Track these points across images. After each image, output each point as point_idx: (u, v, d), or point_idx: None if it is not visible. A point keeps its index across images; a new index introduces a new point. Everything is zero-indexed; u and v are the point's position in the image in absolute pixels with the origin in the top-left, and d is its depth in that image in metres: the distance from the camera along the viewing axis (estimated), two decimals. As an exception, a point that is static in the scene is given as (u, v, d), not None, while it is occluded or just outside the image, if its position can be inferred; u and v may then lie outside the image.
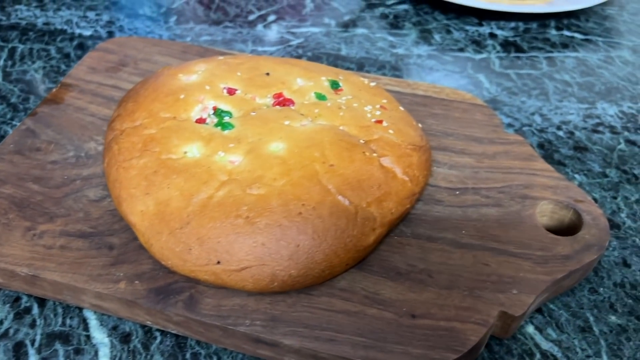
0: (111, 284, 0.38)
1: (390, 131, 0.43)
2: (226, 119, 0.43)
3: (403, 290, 0.37)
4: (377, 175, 0.40)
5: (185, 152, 0.40)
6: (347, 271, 0.38)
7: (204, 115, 0.43)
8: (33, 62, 0.60)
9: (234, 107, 0.44)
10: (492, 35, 0.67)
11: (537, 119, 0.56)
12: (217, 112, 0.43)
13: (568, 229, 0.43)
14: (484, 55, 0.64)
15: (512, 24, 0.69)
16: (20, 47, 0.63)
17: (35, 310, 0.40)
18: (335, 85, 0.47)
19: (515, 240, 0.40)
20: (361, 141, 0.41)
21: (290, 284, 0.36)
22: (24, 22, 0.66)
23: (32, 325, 0.39)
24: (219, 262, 0.36)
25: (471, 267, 0.39)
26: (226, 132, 0.42)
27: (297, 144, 0.40)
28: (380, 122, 0.44)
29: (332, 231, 0.37)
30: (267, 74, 0.47)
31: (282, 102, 0.45)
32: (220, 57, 0.50)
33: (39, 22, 0.67)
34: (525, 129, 0.55)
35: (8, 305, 0.40)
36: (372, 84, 0.49)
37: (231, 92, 0.45)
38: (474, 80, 0.60)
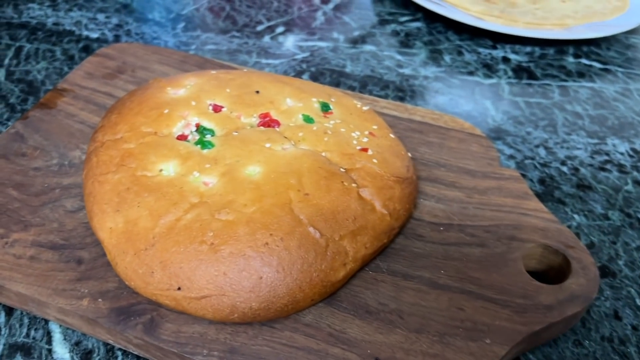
0: (74, 300, 0.37)
1: (375, 160, 0.41)
2: (208, 137, 0.42)
3: (370, 330, 0.36)
4: (353, 207, 0.38)
5: (161, 170, 0.40)
6: (315, 305, 0.37)
7: (186, 132, 0.42)
8: (37, 63, 0.61)
9: (217, 125, 0.43)
10: (505, 60, 0.65)
11: (542, 152, 0.53)
12: (200, 129, 0.42)
13: (557, 275, 0.41)
14: (493, 80, 0.62)
15: (528, 49, 0.67)
16: (27, 46, 0.63)
17: (2, 318, 0.40)
18: (325, 108, 0.46)
19: (496, 284, 0.38)
20: (341, 170, 0.40)
21: (251, 317, 0.35)
22: (34, 21, 0.67)
23: (-3, 334, 0.39)
24: (179, 289, 0.35)
25: (445, 311, 0.37)
26: (205, 151, 0.41)
27: (274, 168, 0.39)
28: (365, 150, 0.42)
29: (298, 264, 0.35)
30: (257, 92, 0.46)
31: (268, 122, 0.43)
32: (213, 72, 0.49)
33: (49, 22, 0.67)
34: (527, 162, 0.52)
35: (-24, 311, 0.40)
36: (366, 107, 0.48)
37: (217, 109, 0.44)
38: (479, 107, 0.58)
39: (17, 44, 0.63)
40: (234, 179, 0.38)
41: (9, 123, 0.53)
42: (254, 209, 0.37)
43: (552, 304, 0.37)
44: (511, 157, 0.53)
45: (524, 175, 0.51)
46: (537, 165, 0.52)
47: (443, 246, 0.41)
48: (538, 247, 0.41)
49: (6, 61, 0.61)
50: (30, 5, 0.70)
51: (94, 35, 0.65)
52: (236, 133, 0.42)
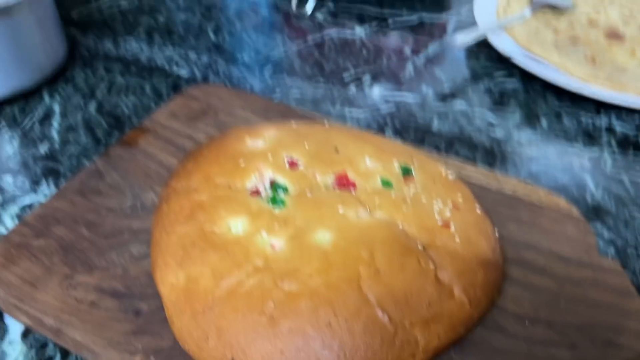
0: (127, 355, 0.36)
1: (457, 239, 0.38)
2: (281, 194, 0.40)
3: None
4: (429, 290, 0.35)
5: (229, 227, 0.38)
6: (376, 396, 0.34)
7: (260, 187, 0.41)
8: (127, 97, 0.62)
9: (292, 183, 0.41)
10: (610, 129, 0.59)
11: (648, 239, 0.47)
12: (274, 186, 0.41)
13: (660, 394, 0.35)
14: (595, 151, 0.56)
15: (638, 120, 0.61)
16: (120, 79, 0.64)
17: (57, 361, 0.39)
18: (406, 172, 0.43)
19: (587, 398, 0.33)
20: (419, 246, 0.37)
21: (305, 402, 0.32)
22: (129, 55, 0.69)
23: (49, 378, 0.38)
24: (233, 360, 0.33)
25: (524, 423, 0.32)
26: (276, 210, 0.39)
27: (345, 237, 0.36)
28: (447, 225, 0.38)
29: (361, 351, 0.32)
30: (336, 149, 0.44)
31: (344, 184, 0.41)
32: (294, 125, 0.47)
33: (143, 56, 0.69)
34: (629, 251, 0.47)
35: (34, 349, 0.40)
36: (451, 176, 0.44)
37: (293, 165, 0.42)
38: (578, 181, 0.53)
39: (110, 77, 0.65)
40: (302, 244, 0.36)
41: (93, 157, 0.54)
42: (319, 282, 0.34)
43: None
44: (611, 242, 0.47)
45: (624, 267, 0.45)
46: (642, 255, 0.46)
47: (527, 344, 0.36)
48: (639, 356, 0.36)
49: (98, 93, 0.62)
50: (128, 38, 0.72)
51: (183, 72, 0.66)
52: (310, 194, 0.40)
